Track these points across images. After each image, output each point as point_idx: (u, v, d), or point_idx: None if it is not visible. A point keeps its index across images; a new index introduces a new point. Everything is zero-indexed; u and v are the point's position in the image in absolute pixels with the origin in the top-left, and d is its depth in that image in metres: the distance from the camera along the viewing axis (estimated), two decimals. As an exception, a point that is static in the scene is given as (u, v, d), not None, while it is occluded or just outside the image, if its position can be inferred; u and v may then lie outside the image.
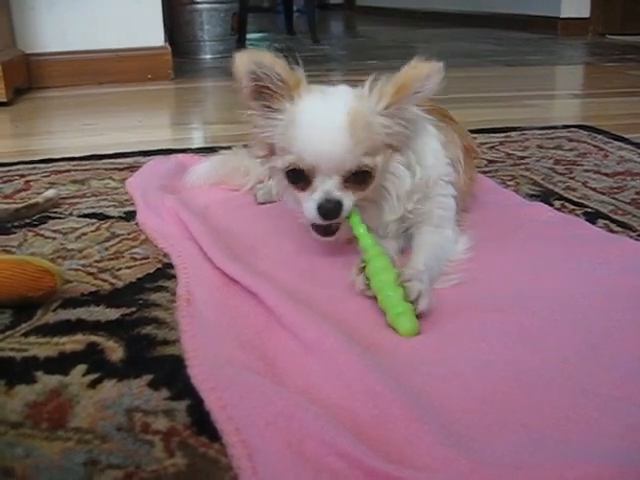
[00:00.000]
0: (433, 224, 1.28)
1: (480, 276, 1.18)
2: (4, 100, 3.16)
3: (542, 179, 1.78)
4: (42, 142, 2.52)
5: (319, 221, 1.16)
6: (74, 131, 2.71)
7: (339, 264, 1.23)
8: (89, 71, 3.78)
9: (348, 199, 1.15)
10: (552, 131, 2.30)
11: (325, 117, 1.14)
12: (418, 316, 1.04)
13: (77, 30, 3.72)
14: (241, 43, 5.52)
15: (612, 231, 1.42)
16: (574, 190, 1.69)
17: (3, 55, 3.26)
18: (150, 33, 3.86)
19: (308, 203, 1.16)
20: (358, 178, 1.15)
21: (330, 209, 1.14)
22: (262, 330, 1.02)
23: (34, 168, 2.00)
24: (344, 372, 0.87)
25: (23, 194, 1.76)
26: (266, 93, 1.17)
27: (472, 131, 2.27)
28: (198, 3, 4.80)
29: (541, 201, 1.59)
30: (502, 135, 2.26)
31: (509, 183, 1.75)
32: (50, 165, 2.03)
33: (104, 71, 3.80)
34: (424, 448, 0.74)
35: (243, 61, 1.15)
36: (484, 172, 1.81)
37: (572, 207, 1.57)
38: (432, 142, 1.28)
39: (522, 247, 1.30)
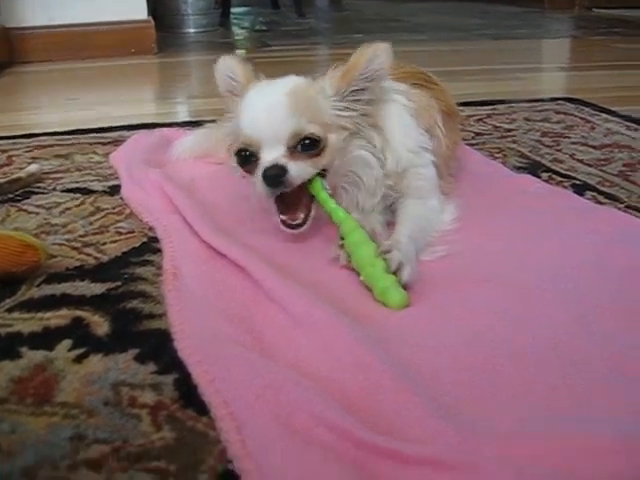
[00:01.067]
0: (415, 196, 1.26)
1: (468, 247, 1.17)
2: (-18, 72, 3.11)
3: (529, 151, 1.78)
4: (25, 117, 2.47)
5: (267, 191, 1.14)
6: (57, 106, 2.66)
7: (324, 236, 1.22)
8: (72, 45, 3.71)
9: (298, 167, 1.13)
10: (539, 104, 2.29)
11: (264, 96, 1.18)
12: (404, 287, 1.03)
13: (59, 3, 3.64)
14: (225, 17, 5.45)
15: (599, 202, 1.41)
16: (561, 162, 1.69)
17: (-18, 28, 3.20)
18: (133, 6, 3.79)
19: (257, 178, 1.15)
20: (308, 148, 1.15)
21: (274, 175, 1.12)
22: (249, 303, 1.01)
23: (16, 143, 1.96)
24: (333, 344, 0.87)
25: (5, 169, 1.73)
26: (233, 94, 1.25)
27: (459, 104, 2.26)
28: (183, -23, 4.72)
29: (529, 173, 1.59)
30: (489, 108, 2.24)
31: (496, 155, 1.74)
32: (32, 140, 1.99)
33: (87, 45, 3.73)
34: (414, 420, 0.74)
35: (219, 66, 1.26)
36: (471, 144, 1.81)
37: (560, 179, 1.56)
38: (401, 116, 1.27)
39: (510, 218, 1.30)
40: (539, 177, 1.56)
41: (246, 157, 1.18)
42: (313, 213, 1.18)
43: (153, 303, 1.04)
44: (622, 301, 0.99)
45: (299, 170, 1.13)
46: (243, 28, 5.36)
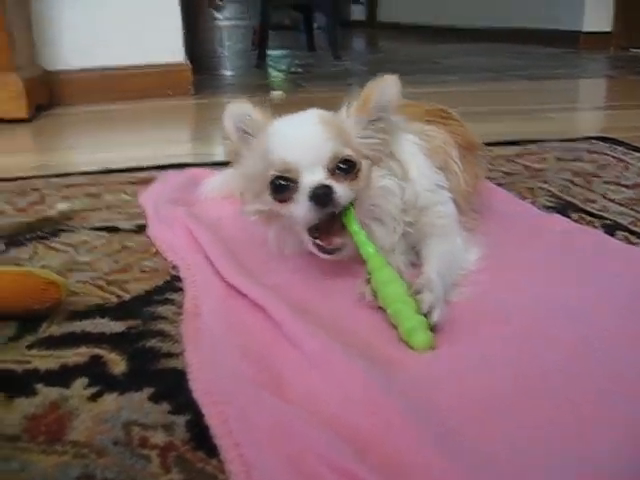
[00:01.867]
0: (438, 234, 1.25)
1: (493, 287, 1.15)
2: (25, 117, 3.19)
3: (560, 191, 1.75)
4: (60, 157, 2.54)
5: (314, 213, 1.12)
6: (92, 146, 2.73)
7: (350, 276, 1.20)
8: (109, 87, 3.81)
9: (341, 187, 1.13)
10: (572, 143, 2.26)
11: (295, 124, 1.21)
12: (432, 329, 1.01)
13: (98, 47, 3.75)
14: (261, 59, 5.55)
15: (631, 243, 1.38)
16: (593, 202, 1.65)
17: (25, 72, 3.30)
18: (170, 49, 3.89)
19: (298, 203, 1.13)
20: (346, 170, 1.15)
21: (323, 194, 1.10)
22: (268, 343, 0.99)
23: (49, 182, 2.00)
24: (346, 384, 0.85)
25: (37, 207, 1.76)
26: (247, 141, 1.25)
27: (489, 144, 2.25)
28: (219, 20, 4.84)
29: (558, 213, 1.56)
30: (520, 148, 2.23)
31: (526, 195, 1.72)
32: (65, 179, 2.03)
33: (124, 87, 3.82)
34: (421, 460, 0.71)
35: (228, 121, 1.26)
36: (500, 184, 1.79)
37: (590, 219, 1.53)
38: (414, 155, 1.28)
39: (537, 257, 1.27)
40: (569, 217, 1.53)
41: (282, 185, 1.15)
42: (349, 240, 1.17)
43: (171, 342, 1.04)
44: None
45: (344, 190, 1.13)
46: (279, 70, 5.45)
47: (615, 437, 0.76)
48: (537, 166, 2.00)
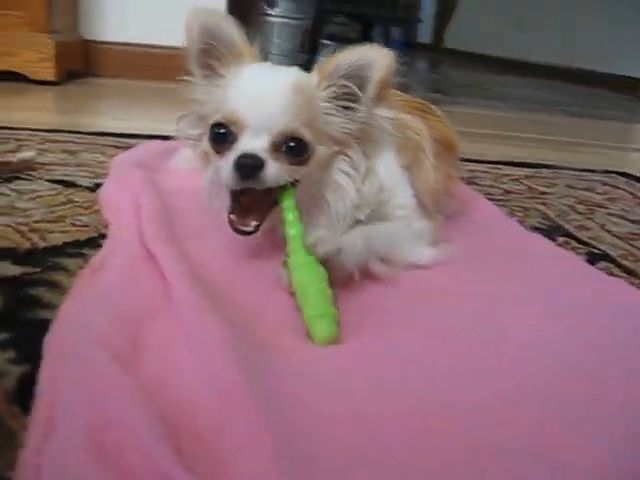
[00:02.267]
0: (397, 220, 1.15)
1: (430, 290, 1.02)
2: (53, 79, 3.16)
3: (556, 215, 1.61)
4: (75, 119, 2.47)
5: (233, 181, 1.00)
6: (111, 115, 2.67)
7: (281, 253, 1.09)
8: (146, 65, 3.76)
9: (276, 167, 1.00)
10: (589, 174, 2.11)
11: (268, 78, 1.04)
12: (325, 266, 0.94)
13: (140, 23, 3.72)
14: (311, 63, 5.47)
15: (612, 274, 1.23)
16: (587, 229, 1.51)
17: (59, 36, 3.28)
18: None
19: (226, 163, 1.00)
20: (293, 151, 1.02)
21: (249, 165, 0.98)
22: (151, 311, 0.89)
23: (35, 135, 1.94)
24: (208, 369, 0.74)
25: (9, 155, 1.69)
26: (213, 58, 1.07)
27: (499, 163, 2.12)
28: (271, 15, 4.78)
29: (545, 236, 1.41)
30: (532, 170, 2.08)
31: (517, 214, 1.58)
32: (53, 135, 1.97)
33: (161, 67, 3.77)
34: (249, 460, 0.60)
35: (199, 17, 1.05)
36: (494, 200, 1.65)
37: (576, 245, 1.39)
38: (385, 149, 1.15)
39: (495, 274, 1.14)
40: (553, 240, 1.39)
41: (221, 134, 1.03)
42: (266, 224, 1.06)
43: (59, 294, 0.94)
44: (578, 382, 0.82)
45: (277, 171, 1.00)
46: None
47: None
48: (542, 189, 1.86)
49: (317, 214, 1.11)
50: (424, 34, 10.82)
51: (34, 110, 2.60)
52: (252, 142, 1.01)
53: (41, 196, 1.39)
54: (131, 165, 1.54)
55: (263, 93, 1.02)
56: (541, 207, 1.67)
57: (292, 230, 1.02)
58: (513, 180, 1.93)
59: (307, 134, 1.02)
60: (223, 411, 0.66)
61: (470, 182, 1.84)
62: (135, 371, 0.73)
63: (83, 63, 3.61)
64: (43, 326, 0.82)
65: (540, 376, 0.81)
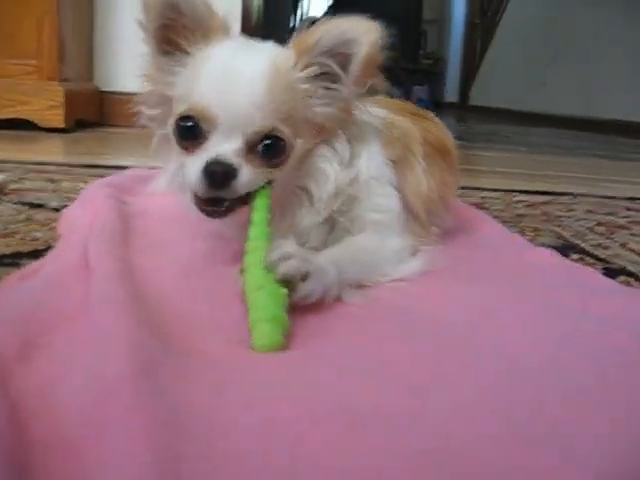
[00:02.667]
0: (369, 231, 0.99)
1: (411, 305, 0.87)
2: (62, 127, 3.13)
3: (571, 235, 1.45)
4: (72, 159, 2.39)
5: (203, 189, 0.87)
6: (113, 156, 2.59)
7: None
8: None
9: (249, 173, 0.87)
10: (611, 200, 1.94)
11: (241, 64, 0.89)
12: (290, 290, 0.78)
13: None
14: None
15: (629, 285, 1.07)
16: (605, 248, 1.34)
17: (70, 85, 3.26)
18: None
19: (193, 165, 0.87)
20: (270, 152, 0.89)
21: (219, 174, 0.85)
22: (64, 316, 0.74)
23: (19, 167, 1.85)
24: (101, 367, 0.59)
25: (-14, 183, 1.60)
26: (180, 32, 0.93)
27: (518, 191, 1.97)
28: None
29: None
30: (550, 197, 1.93)
31: (527, 233, 1.43)
32: (40, 167, 1.88)
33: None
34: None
35: None
36: (504, 221, 1.50)
37: (592, 261, 1.23)
38: (369, 138, 1.02)
39: (491, 286, 0.98)
40: (566, 256, 1.23)
41: (189, 129, 0.89)
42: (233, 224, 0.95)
43: (-28, 301, 0.81)
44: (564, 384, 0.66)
45: (250, 177, 0.88)
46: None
47: None
48: (558, 213, 1.70)
49: (295, 205, 0.98)
50: (451, 93, 10.88)
51: (37, 153, 2.55)
52: (224, 145, 0.87)
53: (1, 215, 1.28)
54: (102, 186, 1.43)
55: (236, 82, 0.87)
56: (555, 228, 1.51)
57: (256, 230, 0.88)
58: (528, 206, 1.78)
59: (286, 131, 0.89)
60: (101, 418, 0.51)
61: (480, 207, 1.70)
62: (15, 375, 0.59)
63: (96, 112, 3.59)
64: None
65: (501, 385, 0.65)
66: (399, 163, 1.06)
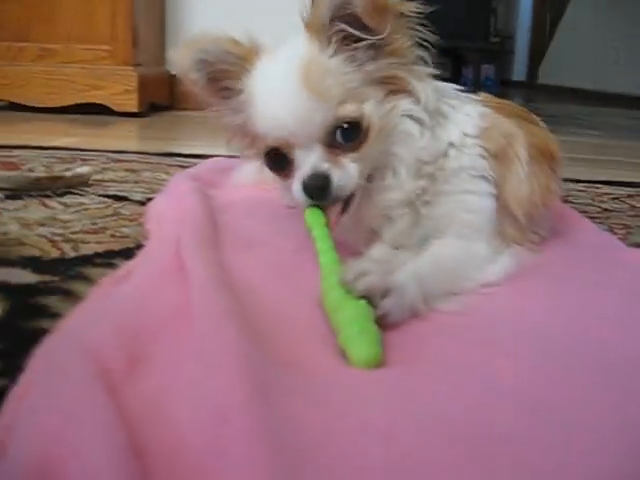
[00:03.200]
0: (454, 233, 0.96)
1: (500, 308, 0.85)
2: (136, 111, 3.18)
3: (665, 233, 1.39)
4: (153, 145, 2.42)
5: (308, 201, 0.91)
6: (187, 142, 2.62)
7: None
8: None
9: (341, 173, 0.90)
10: None
11: (277, 79, 0.91)
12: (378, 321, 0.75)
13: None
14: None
15: None
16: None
17: (145, 70, 3.31)
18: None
19: (295, 187, 0.92)
20: (348, 137, 0.90)
21: (317, 187, 0.89)
22: (166, 325, 0.74)
23: (102, 155, 1.89)
24: (212, 382, 0.59)
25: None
26: (224, 77, 0.97)
27: (599, 182, 1.91)
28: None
29: (652, 253, 1.20)
30: (636, 189, 1.86)
31: (617, 231, 1.37)
32: (119, 155, 1.91)
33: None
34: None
35: (184, 54, 0.96)
36: (592, 217, 1.45)
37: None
38: (461, 127, 0.99)
39: (584, 291, 0.94)
40: (661, 258, 1.17)
41: (277, 161, 0.95)
42: (357, 199, 0.94)
43: (71, 304, 0.83)
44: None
45: (345, 179, 0.90)
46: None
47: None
48: (648, 208, 1.64)
49: (387, 175, 0.96)
50: (519, 72, 10.62)
51: (113, 138, 2.59)
52: (310, 158, 0.90)
53: (87, 209, 1.30)
54: (187, 179, 1.44)
55: (281, 100, 0.90)
56: (647, 225, 1.45)
57: (323, 258, 0.87)
58: (613, 199, 1.72)
59: (348, 108, 0.90)
60: (219, 444, 0.51)
61: (565, 201, 1.64)
62: (126, 390, 0.60)
63: (168, 96, 3.62)
64: (41, 337, 0.70)
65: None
66: (499, 158, 1.02)
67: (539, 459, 0.54)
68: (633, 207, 1.64)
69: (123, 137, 2.67)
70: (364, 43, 0.90)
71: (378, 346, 0.70)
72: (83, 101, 3.15)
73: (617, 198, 1.73)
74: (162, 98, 3.55)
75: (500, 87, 10.04)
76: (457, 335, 0.77)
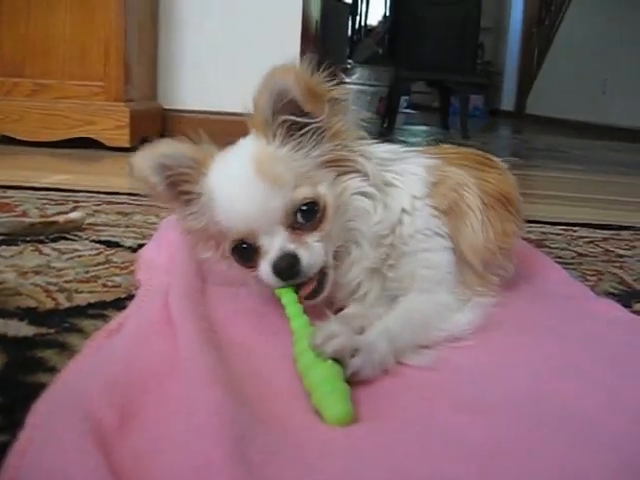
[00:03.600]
0: (417, 289, 1.02)
1: (470, 361, 0.90)
2: (127, 146, 3.24)
3: (634, 280, 1.45)
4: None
5: (279, 283, 0.96)
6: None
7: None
8: (222, 131, 3.78)
9: (308, 252, 0.95)
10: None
11: (232, 177, 0.97)
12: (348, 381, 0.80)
13: (217, 91, 3.78)
14: (389, 129, 5.46)
15: None
16: (672, 296, 1.35)
17: (136, 105, 3.37)
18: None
19: (263, 270, 0.97)
20: (309, 215, 0.96)
21: (286, 267, 0.94)
22: (154, 380, 0.79)
23: (93, 197, 1.94)
24: (197, 443, 0.64)
25: (63, 216, 1.69)
26: (183, 181, 1.03)
27: (575, 225, 1.98)
28: (347, 83, 4.81)
29: (619, 301, 1.26)
30: (611, 232, 1.93)
31: (589, 278, 1.44)
32: (111, 197, 1.97)
33: (238, 133, 3.82)
34: None
35: (144, 159, 1.02)
36: (565, 264, 1.51)
37: (657, 313, 1.23)
38: (410, 188, 1.06)
39: (555, 342, 1.00)
40: (629, 307, 1.24)
41: (244, 251, 0.99)
42: (331, 277, 0.99)
43: (66, 357, 0.88)
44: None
45: (311, 257, 0.95)
46: (404, 142, 5.33)
47: None
48: (620, 252, 1.70)
49: (355, 247, 1.02)
50: (507, 102, 10.77)
51: (105, 175, 2.65)
52: (275, 242, 0.95)
53: (80, 256, 1.36)
54: (174, 226, 1.49)
55: (238, 194, 0.96)
56: (617, 271, 1.51)
57: (295, 323, 0.92)
58: (588, 242, 1.78)
59: (304, 191, 0.95)
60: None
61: (541, 245, 1.71)
62: (117, 447, 0.65)
63: (159, 131, 3.69)
64: (39, 391, 0.75)
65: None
66: (451, 213, 1.08)
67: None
68: (607, 251, 1.70)
69: (115, 174, 2.72)
70: (308, 129, 0.96)
71: (348, 404, 0.75)
72: (75, 136, 3.21)
73: (592, 242, 1.80)
74: (154, 132, 3.61)
75: (489, 117, 10.21)
76: (423, 390, 0.83)
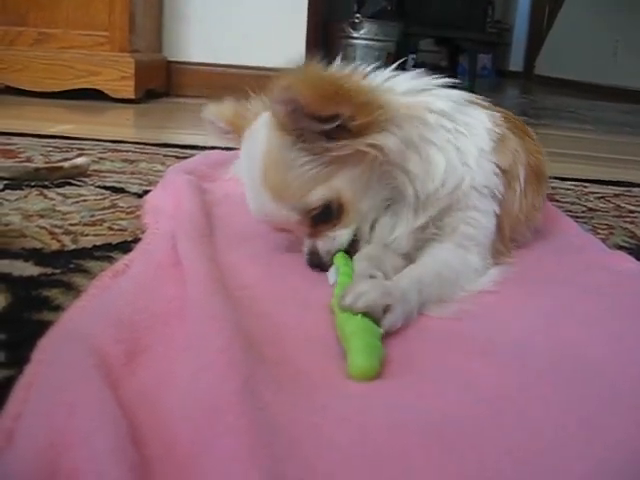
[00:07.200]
0: (454, 242, 0.99)
1: (490, 313, 0.89)
2: (132, 97, 3.19)
3: (646, 234, 1.43)
4: (148, 134, 2.45)
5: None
6: (185, 130, 2.64)
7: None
8: (228, 85, 3.74)
9: (324, 244, 0.99)
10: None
11: (245, 178, 1.02)
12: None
13: (222, 44, 3.72)
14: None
15: None
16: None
17: (141, 56, 3.32)
18: (292, 55, 3.80)
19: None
20: (322, 217, 0.96)
21: (313, 262, 1.00)
22: (161, 319, 0.78)
23: (98, 145, 1.92)
24: (204, 381, 0.63)
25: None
26: None
27: (586, 181, 1.95)
28: (354, 38, 4.74)
29: (630, 254, 1.23)
30: (622, 189, 1.90)
31: (600, 232, 1.42)
32: (116, 145, 1.94)
33: (243, 87, 3.77)
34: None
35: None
36: (575, 217, 1.49)
37: (668, 266, 1.21)
38: (477, 137, 1.00)
39: (567, 293, 0.99)
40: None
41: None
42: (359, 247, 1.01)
43: (72, 296, 0.86)
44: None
45: (326, 246, 0.99)
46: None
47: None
48: (631, 207, 1.68)
49: (394, 208, 1.00)
50: (516, 62, 10.62)
51: (109, 125, 2.61)
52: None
53: (86, 200, 1.34)
54: (182, 172, 1.47)
55: (256, 204, 1.00)
56: (628, 225, 1.49)
57: (340, 279, 0.91)
58: (599, 198, 1.76)
59: (314, 196, 0.93)
60: (209, 435, 0.55)
61: (551, 199, 1.68)
62: (124, 382, 0.64)
63: (165, 83, 3.64)
64: (45, 329, 0.74)
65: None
66: (507, 175, 1.04)
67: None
68: (618, 207, 1.68)
69: (119, 124, 2.69)
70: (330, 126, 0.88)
71: (373, 359, 0.71)
72: (80, 87, 3.17)
73: (603, 197, 1.77)
74: (159, 85, 3.57)
75: (496, 77, 10.08)
76: (438, 337, 0.82)
